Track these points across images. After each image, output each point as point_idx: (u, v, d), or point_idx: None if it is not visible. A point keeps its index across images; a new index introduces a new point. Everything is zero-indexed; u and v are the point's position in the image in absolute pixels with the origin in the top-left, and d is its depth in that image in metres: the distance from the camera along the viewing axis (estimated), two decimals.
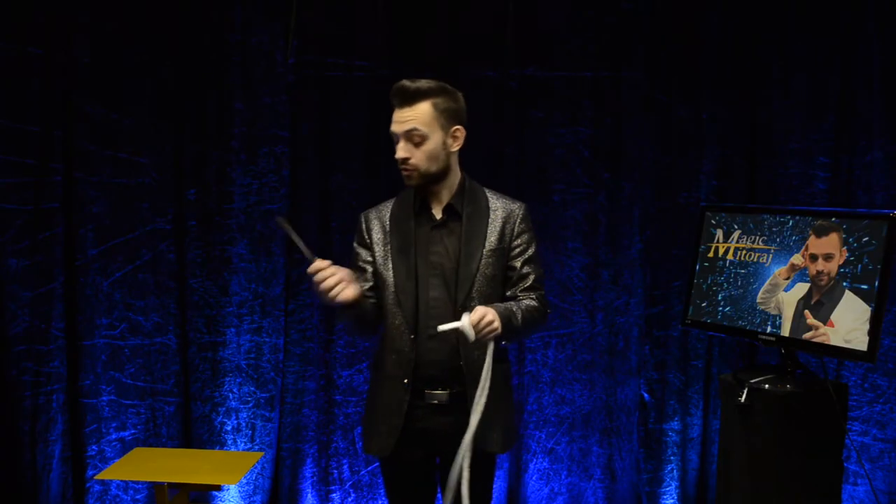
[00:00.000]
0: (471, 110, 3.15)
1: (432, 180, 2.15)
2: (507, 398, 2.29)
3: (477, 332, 1.96)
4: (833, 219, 2.41)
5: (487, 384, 2.02)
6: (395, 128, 2.12)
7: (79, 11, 3.05)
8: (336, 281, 2.00)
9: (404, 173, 2.14)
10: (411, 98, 2.10)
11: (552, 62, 3.17)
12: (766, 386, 2.42)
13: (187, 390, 3.22)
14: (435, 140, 2.12)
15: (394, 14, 3.13)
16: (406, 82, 2.09)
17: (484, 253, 2.16)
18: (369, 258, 2.23)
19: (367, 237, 2.24)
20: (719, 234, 2.71)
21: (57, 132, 3.07)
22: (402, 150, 2.11)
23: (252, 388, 3.22)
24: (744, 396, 2.42)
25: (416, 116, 2.10)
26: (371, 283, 2.22)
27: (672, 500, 3.29)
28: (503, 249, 2.19)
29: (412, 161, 2.11)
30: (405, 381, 2.14)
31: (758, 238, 2.59)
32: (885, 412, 3.14)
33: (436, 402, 2.15)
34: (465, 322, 1.95)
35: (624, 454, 3.29)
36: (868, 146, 3.10)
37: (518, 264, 2.20)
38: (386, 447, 2.18)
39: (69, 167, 3.10)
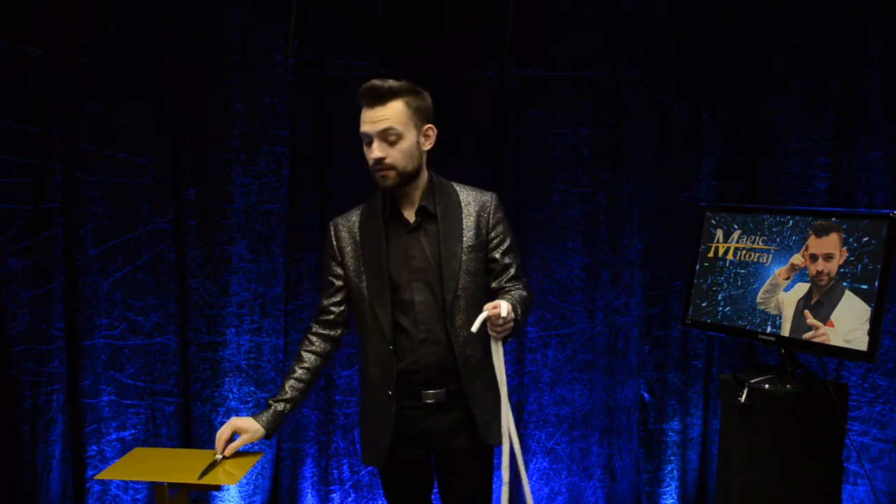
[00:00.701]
0: (471, 110, 3.19)
1: (407, 180, 2.13)
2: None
3: (503, 324, 1.98)
4: (833, 219, 2.41)
5: (504, 381, 2.04)
6: (368, 128, 2.08)
7: (79, 11, 3.05)
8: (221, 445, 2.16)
9: (379, 174, 2.10)
10: (384, 97, 2.07)
11: (552, 62, 3.17)
12: (766, 386, 2.42)
13: (187, 390, 3.22)
14: (410, 139, 2.09)
15: (394, 14, 3.13)
16: (377, 82, 2.07)
17: (463, 250, 2.14)
18: (339, 271, 2.22)
19: (336, 249, 2.23)
20: (719, 234, 2.71)
21: (57, 132, 3.07)
22: (377, 150, 2.07)
23: (252, 388, 3.22)
24: (744, 396, 2.42)
25: (390, 115, 2.06)
26: (341, 297, 2.24)
27: (672, 500, 3.29)
28: (481, 243, 2.18)
29: (388, 160, 2.07)
30: (389, 392, 2.15)
31: (758, 238, 2.59)
32: (885, 412, 3.14)
33: (433, 401, 2.15)
34: (485, 314, 1.98)
35: (624, 454, 3.29)
36: (868, 146, 3.10)
37: (498, 256, 2.19)
38: (380, 457, 2.20)
39: (69, 167, 3.09)
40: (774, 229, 2.55)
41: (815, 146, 3.14)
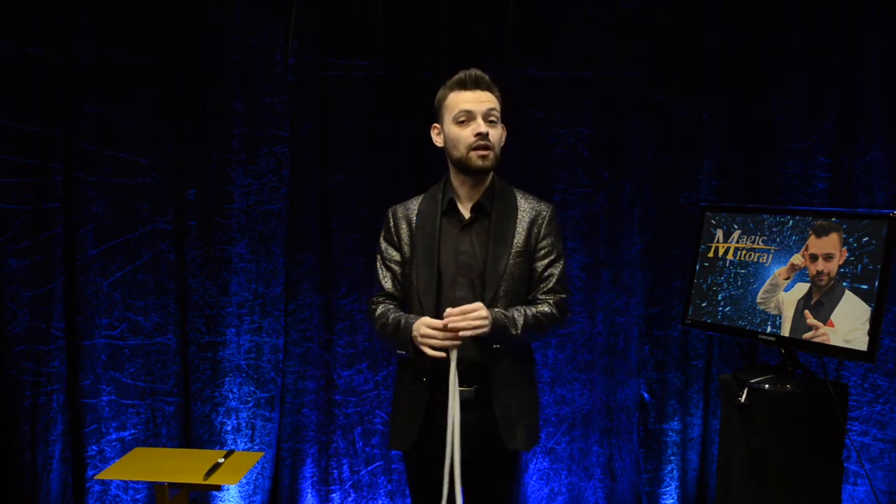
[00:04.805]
0: None
1: (493, 168, 2.17)
2: (533, 397, 2.30)
3: (464, 322, 1.99)
4: (833, 219, 2.41)
5: (455, 388, 2.04)
6: (472, 106, 2.12)
7: (79, 11, 3.05)
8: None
9: (482, 152, 2.12)
10: (485, 84, 2.14)
11: (552, 62, 3.17)
12: (766, 386, 2.42)
13: (187, 390, 3.23)
14: (500, 128, 2.17)
15: (394, 14, 3.13)
16: (477, 71, 2.15)
17: (511, 254, 2.16)
18: (398, 257, 2.23)
19: (394, 235, 2.24)
20: (719, 234, 2.71)
21: (57, 132, 3.07)
22: (483, 125, 2.11)
23: (252, 388, 3.22)
24: (744, 396, 2.42)
25: (491, 99, 2.14)
26: (399, 282, 2.24)
27: (672, 500, 3.29)
28: (529, 251, 2.19)
29: (491, 138, 2.12)
30: (424, 379, 2.15)
31: (758, 238, 2.59)
32: (885, 412, 3.14)
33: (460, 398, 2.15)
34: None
35: (624, 454, 3.29)
36: (868, 146, 3.10)
37: (541, 266, 2.20)
38: (406, 442, 2.20)
39: (69, 167, 3.10)
40: (774, 229, 2.55)
41: (815, 146, 3.14)
